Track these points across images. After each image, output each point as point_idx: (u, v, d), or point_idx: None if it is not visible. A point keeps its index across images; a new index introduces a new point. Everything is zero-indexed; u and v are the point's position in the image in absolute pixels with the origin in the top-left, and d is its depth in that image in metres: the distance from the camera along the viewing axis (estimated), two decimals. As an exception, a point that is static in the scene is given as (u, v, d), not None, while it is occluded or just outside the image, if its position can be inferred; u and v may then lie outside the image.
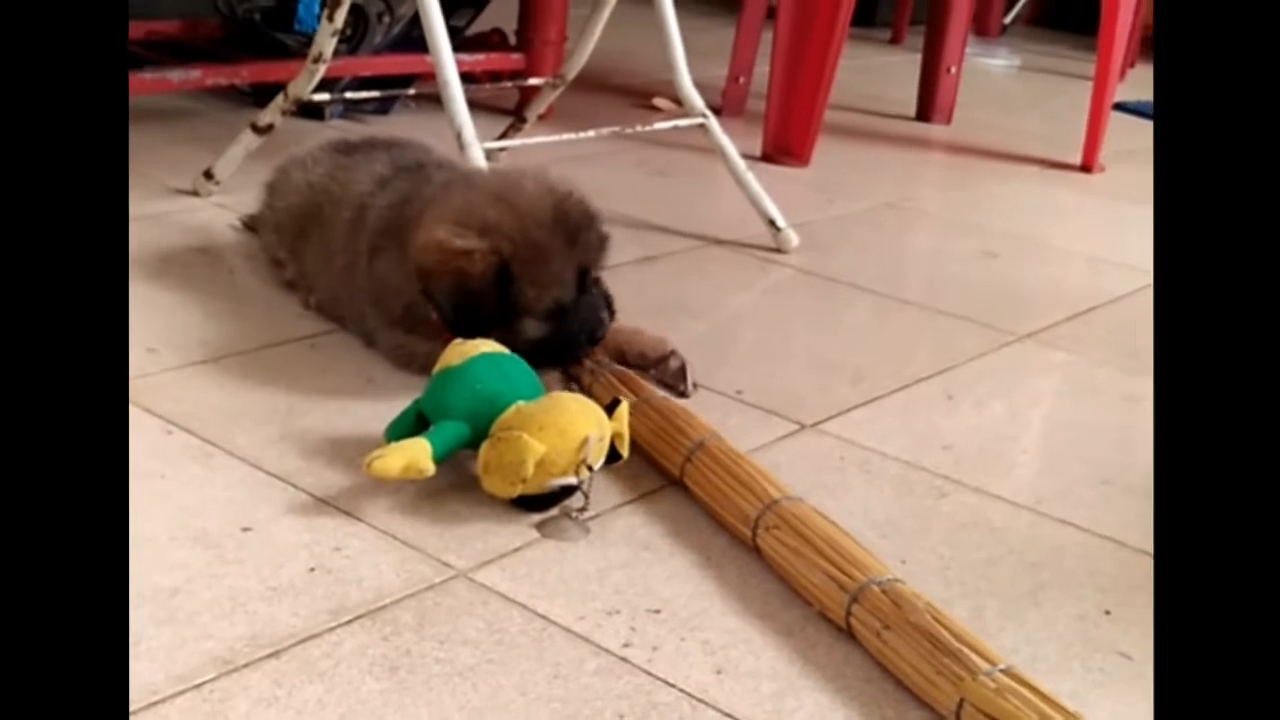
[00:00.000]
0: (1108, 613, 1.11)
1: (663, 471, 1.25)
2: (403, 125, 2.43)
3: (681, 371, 1.44)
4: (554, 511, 1.16)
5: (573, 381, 1.39)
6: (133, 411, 1.28)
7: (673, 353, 1.45)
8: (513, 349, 1.28)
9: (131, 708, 0.87)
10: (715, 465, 1.19)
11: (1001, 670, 0.92)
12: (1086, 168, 2.76)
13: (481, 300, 1.32)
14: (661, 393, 1.35)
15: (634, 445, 1.26)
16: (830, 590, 1.03)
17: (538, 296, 1.33)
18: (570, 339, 1.37)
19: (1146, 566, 1.18)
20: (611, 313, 1.40)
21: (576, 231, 1.36)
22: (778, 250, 2.00)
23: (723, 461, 1.19)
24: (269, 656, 0.94)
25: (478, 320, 1.32)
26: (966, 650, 0.94)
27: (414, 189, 1.45)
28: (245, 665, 0.93)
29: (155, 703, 0.88)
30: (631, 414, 1.28)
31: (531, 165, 1.46)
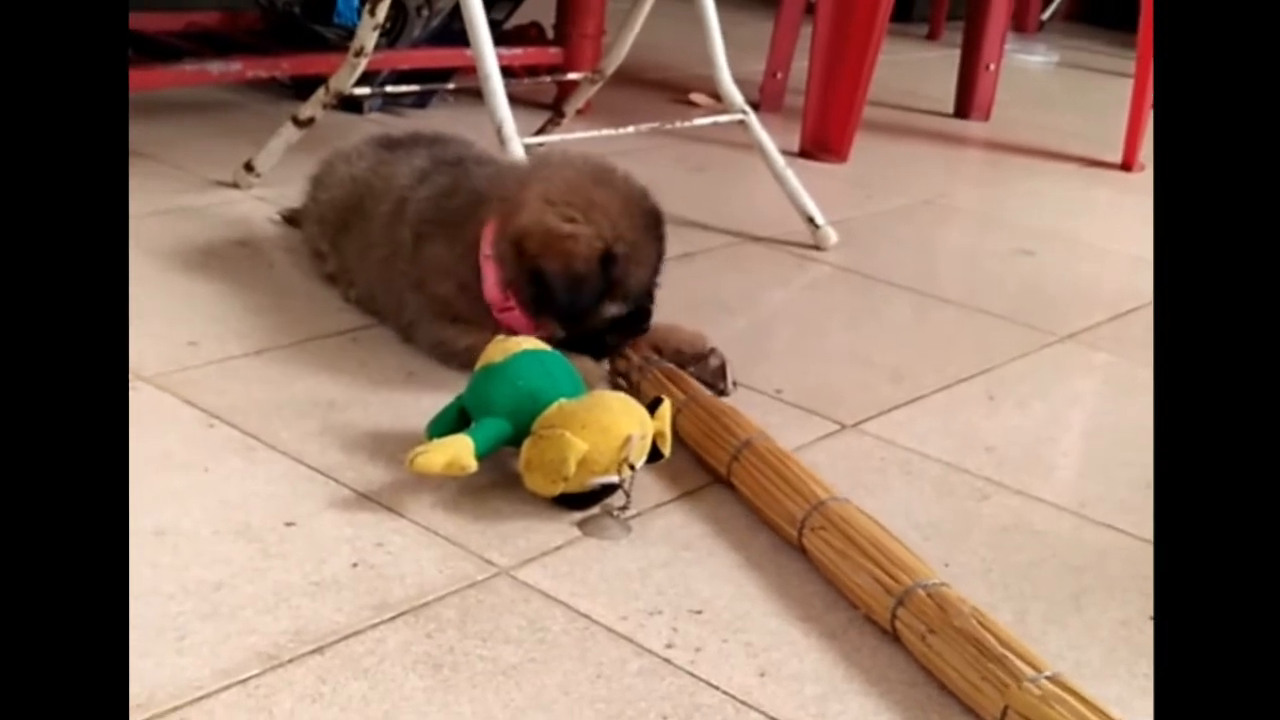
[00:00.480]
0: (1152, 618, 1.10)
1: (710, 470, 1.25)
2: (441, 119, 2.43)
3: (721, 370, 1.43)
4: (595, 510, 1.16)
5: (621, 378, 1.39)
6: (174, 404, 1.28)
7: (712, 350, 1.45)
8: (589, 333, 1.36)
9: (177, 703, 0.88)
10: (762, 465, 1.18)
11: (1047, 677, 0.91)
12: (1126, 166, 2.74)
13: (587, 282, 1.36)
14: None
15: (681, 443, 1.26)
16: (876, 593, 1.02)
17: (630, 282, 1.38)
18: (634, 324, 1.41)
19: (1191, 572, 1.17)
20: (651, 311, 1.44)
21: (659, 224, 1.43)
22: (816, 247, 1.99)
23: (770, 461, 1.18)
24: (313, 652, 0.94)
25: (584, 303, 1.37)
26: (1011, 656, 0.93)
27: (456, 180, 1.48)
28: (290, 661, 0.93)
29: (201, 698, 0.88)
30: (679, 412, 1.28)
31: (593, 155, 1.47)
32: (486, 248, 1.38)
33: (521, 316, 1.39)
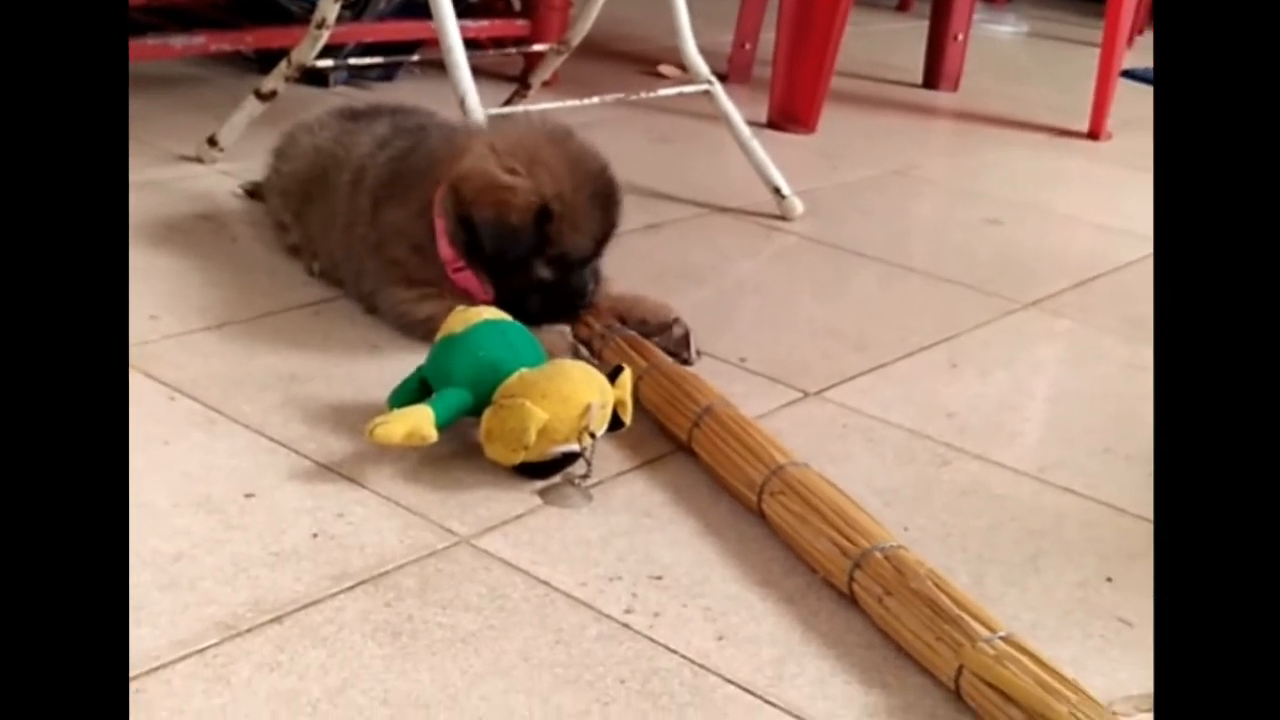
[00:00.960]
0: (1109, 580, 1.11)
1: (671, 437, 1.25)
2: (408, 92, 2.42)
3: (685, 339, 1.44)
4: (556, 479, 1.16)
5: (583, 345, 1.39)
6: (135, 378, 1.28)
7: (676, 320, 1.45)
8: (513, 294, 1.34)
9: (134, 672, 0.88)
10: (723, 431, 1.19)
11: (1001, 637, 0.92)
12: (1094, 135, 2.75)
13: (519, 235, 1.35)
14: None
15: (642, 411, 1.26)
16: (833, 556, 1.03)
17: (566, 244, 1.37)
18: (569, 293, 1.40)
19: (1147, 534, 1.18)
20: (596, 284, 1.43)
21: (611, 200, 1.41)
22: (782, 218, 2.00)
23: (730, 428, 1.19)
24: (271, 622, 0.94)
25: (512, 255, 1.36)
26: (967, 617, 0.94)
27: (415, 143, 1.48)
28: (248, 630, 0.93)
29: (157, 668, 0.88)
30: (641, 379, 1.28)
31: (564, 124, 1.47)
32: (438, 205, 1.38)
33: (474, 277, 1.39)
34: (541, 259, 1.37)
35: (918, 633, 0.95)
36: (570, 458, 1.16)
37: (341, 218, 1.49)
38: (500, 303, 1.35)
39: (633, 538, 1.10)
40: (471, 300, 1.34)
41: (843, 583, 1.02)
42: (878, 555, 1.01)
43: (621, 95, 2.10)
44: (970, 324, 1.66)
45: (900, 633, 0.97)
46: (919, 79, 3.14)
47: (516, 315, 1.32)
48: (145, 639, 0.91)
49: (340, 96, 2.32)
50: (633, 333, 1.39)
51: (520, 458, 1.14)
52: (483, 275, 1.39)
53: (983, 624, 0.93)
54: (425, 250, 1.40)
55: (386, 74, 2.55)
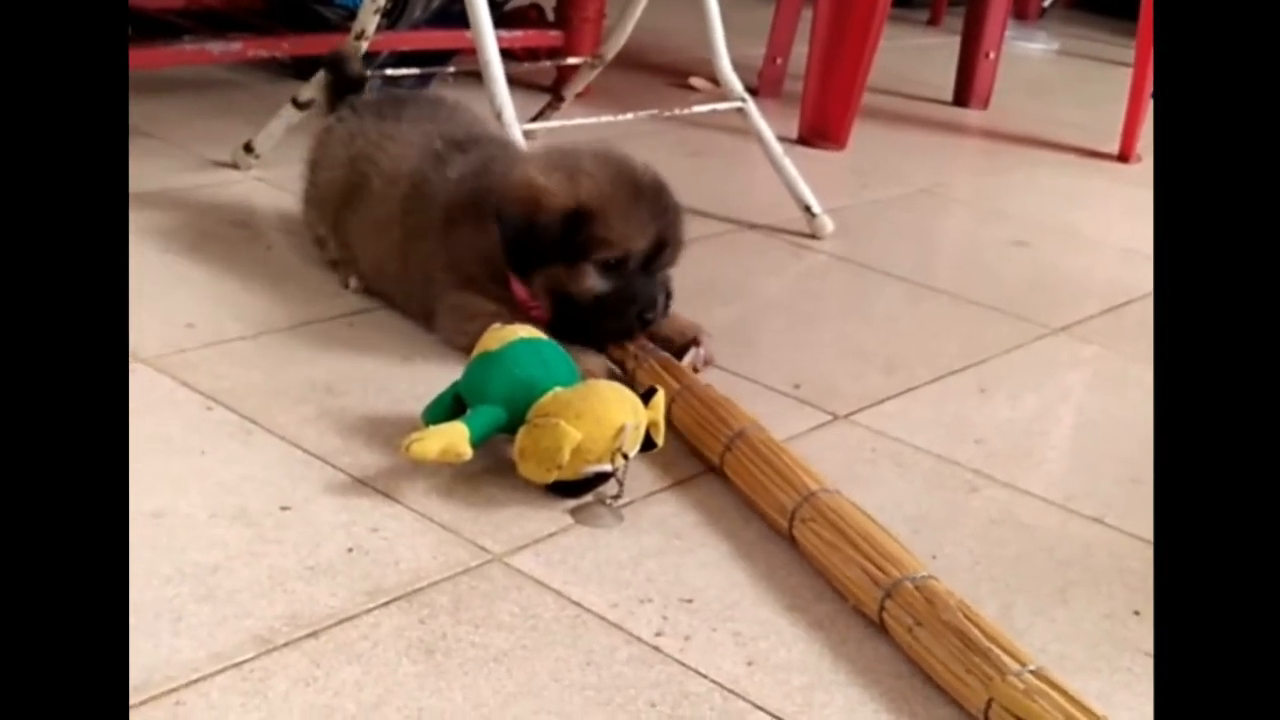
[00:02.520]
0: (1136, 613, 1.11)
1: (702, 460, 1.26)
2: (440, 100, 2.43)
3: (701, 359, 1.44)
4: (588, 498, 1.17)
5: (617, 366, 1.40)
6: (172, 386, 1.30)
7: (695, 340, 1.45)
8: (568, 306, 1.36)
9: (173, 684, 0.89)
10: (754, 455, 1.20)
11: (1031, 671, 0.93)
12: (1123, 157, 2.75)
13: (543, 233, 1.36)
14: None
15: (674, 432, 1.27)
16: (864, 584, 1.04)
17: (609, 244, 1.37)
18: (624, 305, 1.39)
19: (1176, 567, 1.19)
20: (667, 304, 1.43)
21: (663, 207, 1.41)
22: (812, 236, 2.00)
23: (762, 452, 1.20)
24: (307, 636, 0.95)
25: (534, 252, 1.37)
26: (997, 650, 0.94)
27: (485, 162, 1.48)
28: (284, 644, 0.94)
29: (197, 680, 0.90)
30: (673, 401, 1.29)
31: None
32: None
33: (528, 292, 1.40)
34: (591, 264, 1.37)
35: (947, 664, 0.96)
36: (602, 477, 1.17)
37: (396, 230, 1.49)
38: (557, 321, 1.37)
39: (663, 559, 1.11)
40: (534, 320, 1.35)
41: (873, 612, 1.03)
42: (909, 585, 1.01)
43: (655, 111, 2.11)
44: (999, 348, 1.67)
45: (930, 663, 0.98)
46: (949, 96, 3.14)
47: (575, 336, 1.34)
48: (184, 650, 0.92)
49: (374, 104, 2.33)
50: (666, 355, 1.40)
51: (553, 476, 1.15)
52: (533, 288, 1.40)
53: (1013, 657, 0.94)
54: (497, 270, 1.41)
55: (421, 84, 2.56)
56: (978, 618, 0.98)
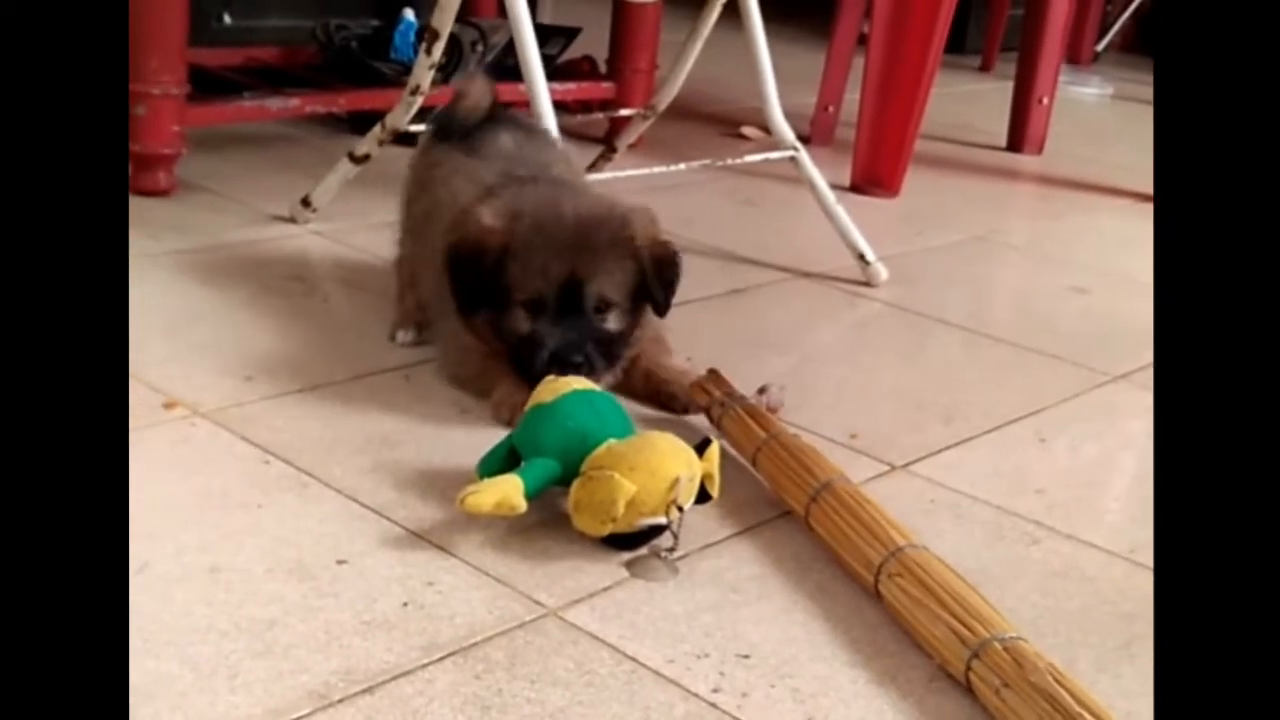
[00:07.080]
0: (1204, 668, 1.09)
1: (789, 510, 1.25)
2: (494, 152, 2.44)
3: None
4: (643, 551, 1.17)
5: (703, 413, 1.41)
6: (230, 439, 1.30)
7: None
8: (510, 347, 1.40)
9: (230, 741, 0.89)
10: (840, 507, 1.18)
11: (1114, 736, 0.90)
12: (1181, 201, 2.72)
13: (474, 269, 1.39)
14: (793, 431, 1.34)
15: (737, 482, 1.27)
16: (951, 643, 1.02)
17: (521, 285, 1.39)
18: (535, 348, 1.38)
19: (1244, 621, 1.16)
20: (614, 357, 1.42)
21: (580, 247, 1.39)
22: (866, 284, 2.00)
23: (848, 504, 1.18)
24: (363, 692, 0.95)
25: (470, 289, 1.40)
26: (1087, 716, 0.92)
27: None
28: (340, 700, 0.94)
29: (253, 736, 0.90)
30: (759, 450, 1.29)
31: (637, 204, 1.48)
32: None
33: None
34: (518, 306, 1.40)
35: (1035, 728, 0.93)
36: (657, 530, 1.17)
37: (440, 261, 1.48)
38: (511, 359, 1.40)
39: (719, 613, 1.10)
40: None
41: (959, 671, 1.01)
42: (997, 645, 0.99)
43: (708, 161, 2.11)
44: (1058, 396, 1.65)
45: (1017, 727, 0.95)
46: (1002, 141, 3.13)
47: (521, 372, 1.38)
48: (241, 707, 0.92)
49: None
50: (752, 403, 1.39)
51: (608, 529, 1.15)
52: (477, 329, 1.43)
53: (1102, 722, 0.92)
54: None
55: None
56: (1068, 681, 0.95)
